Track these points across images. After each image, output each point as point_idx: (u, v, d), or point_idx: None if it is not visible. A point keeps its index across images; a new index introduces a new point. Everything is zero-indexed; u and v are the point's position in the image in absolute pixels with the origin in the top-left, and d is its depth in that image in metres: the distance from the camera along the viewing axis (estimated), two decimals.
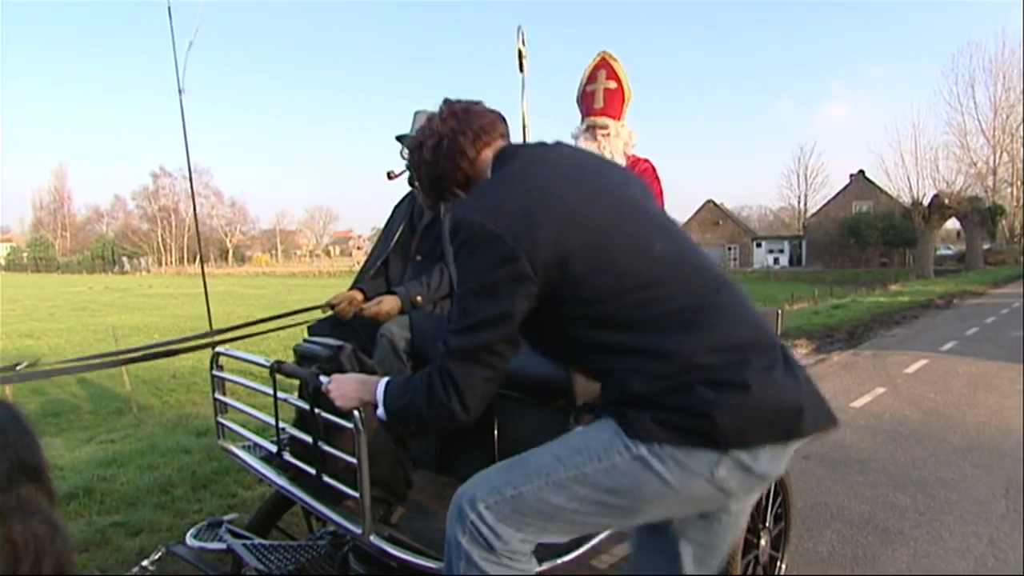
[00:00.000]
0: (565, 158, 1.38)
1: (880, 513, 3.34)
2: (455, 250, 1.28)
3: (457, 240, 1.26)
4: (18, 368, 1.53)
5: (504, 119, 1.45)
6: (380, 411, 1.36)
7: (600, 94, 2.87)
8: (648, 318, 1.22)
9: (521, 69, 2.97)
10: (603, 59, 2.92)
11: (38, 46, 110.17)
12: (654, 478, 1.19)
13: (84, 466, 4.12)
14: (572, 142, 2.94)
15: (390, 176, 2.46)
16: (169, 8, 1.91)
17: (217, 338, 1.98)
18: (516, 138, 2.24)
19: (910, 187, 32.77)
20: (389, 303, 2.26)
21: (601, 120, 2.86)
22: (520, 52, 2.93)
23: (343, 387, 1.43)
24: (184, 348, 1.80)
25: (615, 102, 2.88)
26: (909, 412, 5.35)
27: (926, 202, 31.90)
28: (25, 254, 78.26)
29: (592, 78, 2.93)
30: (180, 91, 1.97)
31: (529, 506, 1.22)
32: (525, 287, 1.21)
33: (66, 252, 77.59)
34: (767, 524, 2.54)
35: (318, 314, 2.41)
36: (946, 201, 31.05)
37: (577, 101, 3.03)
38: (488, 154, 1.39)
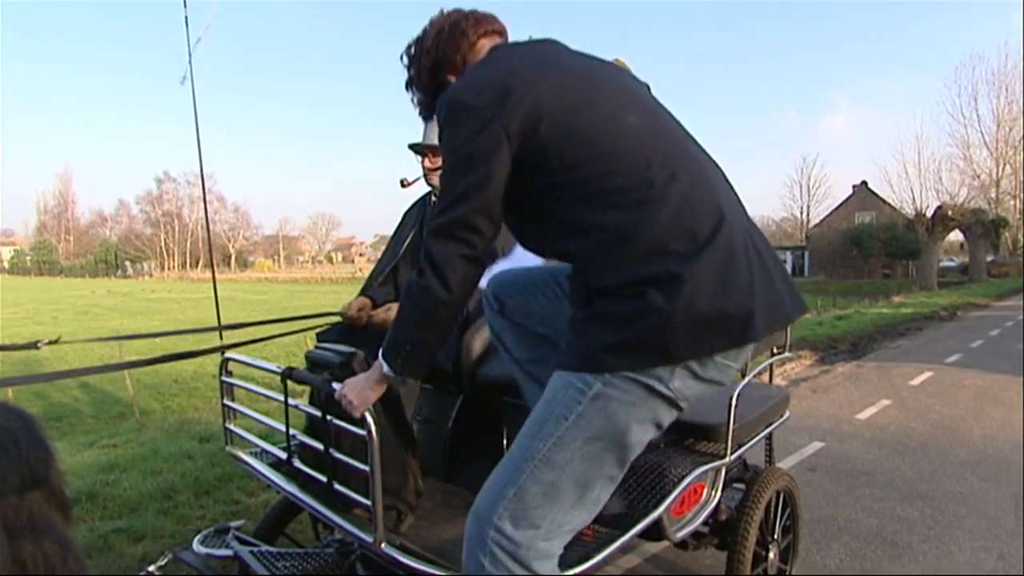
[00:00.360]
0: (552, 44, 1.39)
1: (888, 527, 3.31)
2: (440, 133, 1.29)
3: (441, 120, 1.28)
4: (39, 345, 1.51)
5: (504, 25, 1.48)
6: (386, 368, 1.35)
7: None
8: (609, 190, 1.19)
9: None
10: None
11: (43, 50, 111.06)
12: (619, 406, 1.19)
13: (86, 471, 4.10)
14: None
15: (403, 184, 2.46)
16: (186, 18, 1.92)
17: (226, 340, 1.97)
18: None
19: (913, 199, 32.68)
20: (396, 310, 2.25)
21: None
22: None
23: (354, 389, 1.41)
24: (198, 351, 1.79)
25: None
26: (915, 424, 5.32)
27: (929, 214, 31.82)
28: (29, 257, 78.47)
29: None
30: (195, 107, 1.98)
31: (532, 495, 1.20)
32: (500, 153, 1.20)
33: (69, 256, 77.78)
34: (775, 537, 2.52)
35: (327, 319, 2.40)
36: (949, 213, 30.97)
37: None
38: (485, 43, 1.42)
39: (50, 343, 1.50)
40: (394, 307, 2.26)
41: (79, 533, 3.13)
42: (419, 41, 1.45)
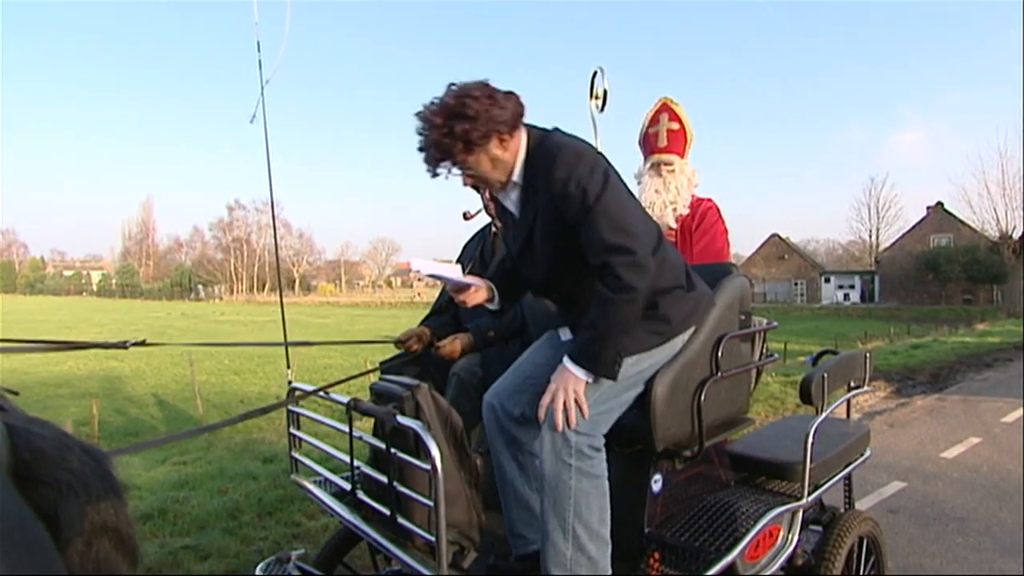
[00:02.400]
0: None
1: None
2: (575, 176, 1.55)
3: (586, 162, 1.57)
4: (127, 344, 1.60)
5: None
6: (590, 377, 1.59)
7: (663, 134, 2.96)
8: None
9: (602, 109, 3.04)
10: (664, 104, 3.02)
11: (128, 87, 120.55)
12: (648, 366, 1.73)
13: (159, 487, 4.27)
14: (634, 182, 2.99)
15: (466, 216, 2.50)
16: (260, 61, 2.01)
17: (292, 356, 2.04)
18: None
19: (997, 219, 30.69)
20: (463, 340, 2.25)
21: (666, 157, 2.94)
22: (605, 92, 2.98)
23: (570, 386, 1.59)
24: (271, 406, 1.84)
25: (678, 141, 2.96)
26: (1012, 466, 4.86)
27: (1016, 235, 29.73)
28: (114, 281, 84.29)
29: (654, 120, 3.02)
30: (267, 147, 2.06)
31: (596, 419, 1.64)
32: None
33: (149, 279, 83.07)
34: None
35: (386, 348, 2.43)
36: None
37: (640, 144, 3.08)
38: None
39: (135, 344, 1.59)
40: (459, 337, 2.26)
41: (151, 548, 3.24)
42: (488, 106, 1.56)
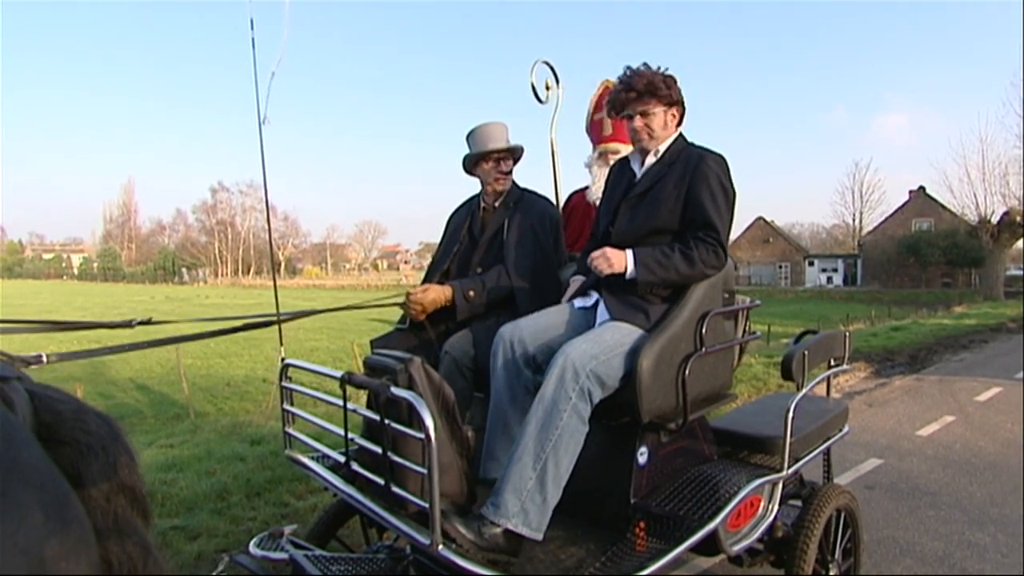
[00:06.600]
0: None
1: (956, 552, 3.13)
2: (715, 178, 2.00)
3: (720, 170, 2.04)
4: (134, 322, 1.61)
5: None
6: (633, 273, 1.94)
7: (607, 122, 2.87)
8: None
9: (542, 101, 2.99)
10: (607, 88, 2.96)
11: (113, 73, 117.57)
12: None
13: (146, 469, 4.27)
14: (585, 171, 2.96)
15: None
16: (252, 40, 1.99)
17: (284, 330, 2.10)
18: (546, 164, 2.43)
19: (976, 204, 30.88)
20: (435, 291, 2.29)
21: (612, 146, 2.88)
22: (546, 85, 2.95)
23: (612, 254, 1.94)
24: (257, 324, 1.89)
25: (623, 128, 2.88)
26: (984, 443, 5.03)
27: (995, 219, 30.12)
28: (96, 264, 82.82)
29: (598, 107, 2.95)
30: (262, 121, 2.04)
31: (603, 371, 1.77)
32: None
33: (131, 263, 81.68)
34: (835, 558, 2.42)
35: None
36: (1017, 219, 29.22)
37: (586, 131, 3.03)
38: None
39: (141, 323, 1.61)
40: (431, 288, 2.33)
41: None
42: (680, 92, 2.13)
